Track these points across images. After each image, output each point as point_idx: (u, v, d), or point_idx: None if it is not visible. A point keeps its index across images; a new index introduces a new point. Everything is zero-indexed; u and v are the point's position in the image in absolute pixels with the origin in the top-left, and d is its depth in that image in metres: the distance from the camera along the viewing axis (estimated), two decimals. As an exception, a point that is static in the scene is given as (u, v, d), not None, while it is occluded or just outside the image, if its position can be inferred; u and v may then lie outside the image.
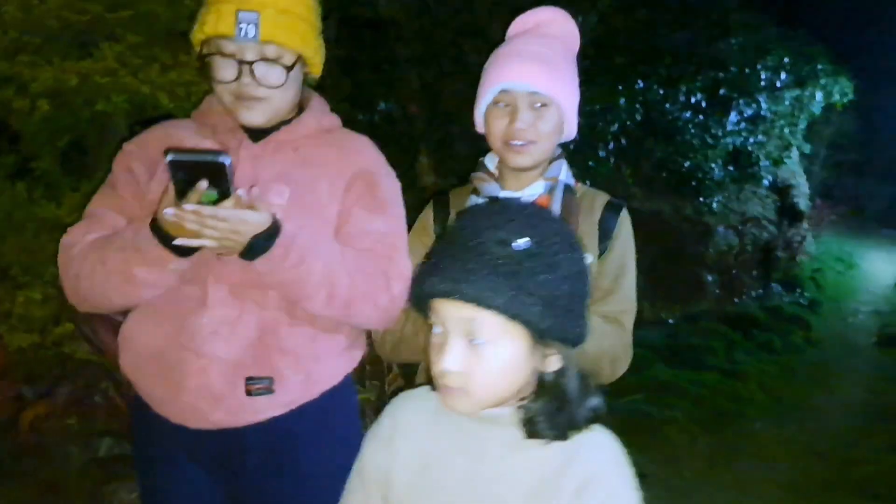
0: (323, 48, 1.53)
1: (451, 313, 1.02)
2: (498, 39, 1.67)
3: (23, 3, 2.89)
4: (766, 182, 8.83)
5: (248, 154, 1.46)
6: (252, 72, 1.40)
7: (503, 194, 1.58)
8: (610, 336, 1.50)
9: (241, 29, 1.37)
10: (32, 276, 2.99)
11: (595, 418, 1.09)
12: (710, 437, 4.40)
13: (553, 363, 1.05)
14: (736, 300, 7.46)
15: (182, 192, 1.25)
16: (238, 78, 1.41)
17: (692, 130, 6.85)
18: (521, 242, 0.99)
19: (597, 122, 5.61)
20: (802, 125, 9.33)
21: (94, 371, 2.94)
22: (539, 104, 1.52)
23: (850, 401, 5.28)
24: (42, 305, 2.92)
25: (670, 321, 6.48)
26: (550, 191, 1.58)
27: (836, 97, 9.30)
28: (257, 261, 1.34)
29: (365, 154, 1.56)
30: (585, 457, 1.05)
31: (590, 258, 1.52)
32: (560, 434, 1.05)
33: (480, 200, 1.58)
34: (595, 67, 5.39)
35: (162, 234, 1.32)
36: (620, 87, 5.72)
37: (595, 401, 1.09)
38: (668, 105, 6.44)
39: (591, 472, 1.04)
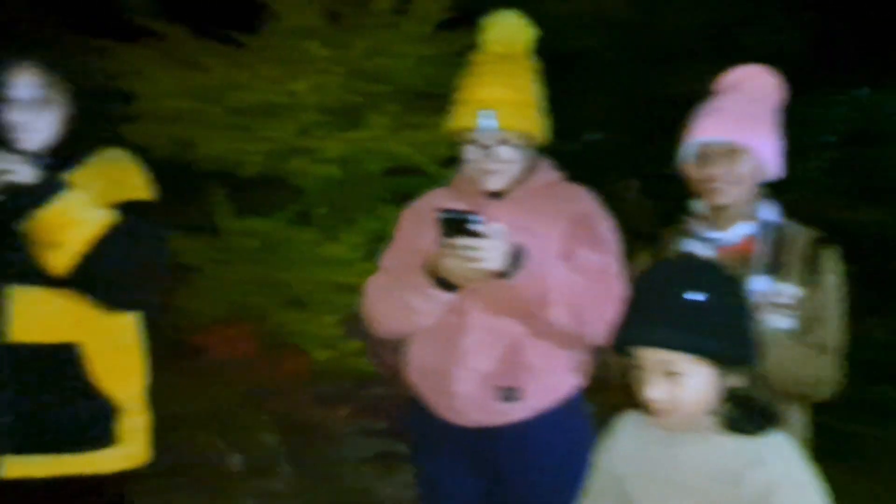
0: (545, 119, 1.89)
1: (648, 356, 1.31)
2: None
3: (314, 86, 3.66)
4: None
5: (489, 212, 1.82)
6: (491, 153, 1.82)
7: (711, 234, 1.80)
8: (805, 364, 1.64)
9: (481, 123, 1.78)
10: (323, 304, 3.77)
11: (775, 424, 1.33)
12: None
13: (735, 379, 1.33)
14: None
15: (447, 237, 1.66)
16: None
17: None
18: (700, 296, 1.29)
19: (811, 133, 5.46)
20: None
21: (379, 384, 3.60)
22: (733, 151, 1.72)
23: None
24: (334, 326, 3.68)
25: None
26: (758, 229, 1.77)
27: None
28: (516, 274, 1.69)
29: (582, 200, 1.90)
30: (772, 462, 1.29)
31: (797, 291, 1.67)
32: (748, 429, 1.31)
33: (692, 242, 1.82)
34: (810, 77, 5.28)
35: (434, 276, 1.75)
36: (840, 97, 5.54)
37: (777, 410, 1.36)
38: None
39: (778, 476, 1.27)
